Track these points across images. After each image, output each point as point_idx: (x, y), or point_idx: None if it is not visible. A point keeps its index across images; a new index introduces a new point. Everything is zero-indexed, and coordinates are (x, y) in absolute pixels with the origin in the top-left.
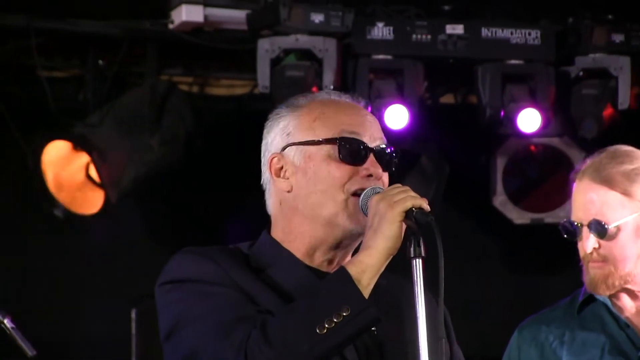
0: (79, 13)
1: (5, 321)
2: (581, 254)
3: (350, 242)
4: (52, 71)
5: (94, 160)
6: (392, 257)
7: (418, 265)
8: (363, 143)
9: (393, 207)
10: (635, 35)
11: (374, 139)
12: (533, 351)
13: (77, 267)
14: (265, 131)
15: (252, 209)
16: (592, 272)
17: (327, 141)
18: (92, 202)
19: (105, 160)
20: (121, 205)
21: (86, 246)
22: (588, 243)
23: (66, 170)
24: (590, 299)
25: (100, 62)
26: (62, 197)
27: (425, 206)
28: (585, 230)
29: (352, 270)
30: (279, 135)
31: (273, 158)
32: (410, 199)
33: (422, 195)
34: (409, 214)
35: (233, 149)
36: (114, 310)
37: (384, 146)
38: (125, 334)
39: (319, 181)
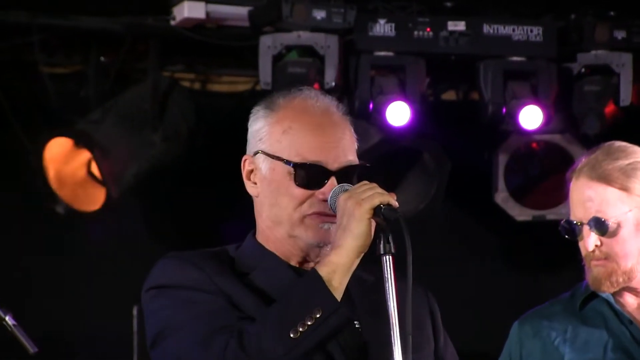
0: (81, 9)
1: (7, 318)
2: (583, 253)
3: (316, 254)
4: (54, 67)
5: (95, 157)
6: (363, 254)
7: (388, 261)
8: (322, 168)
9: (361, 205)
10: (637, 31)
11: (338, 160)
12: (535, 347)
13: (79, 264)
14: (248, 124)
15: (253, 205)
16: (595, 270)
17: (287, 162)
18: (93, 198)
19: (107, 157)
20: (123, 202)
21: (88, 243)
22: (589, 241)
23: (68, 166)
24: (593, 295)
25: (102, 58)
26: (63, 193)
27: (394, 202)
28: (585, 228)
29: (323, 271)
30: (253, 137)
31: (245, 160)
32: (377, 195)
33: (424, 191)
34: (377, 211)
35: (234, 146)
36: (115, 308)
37: (348, 164)
38: (127, 331)
39: (279, 195)
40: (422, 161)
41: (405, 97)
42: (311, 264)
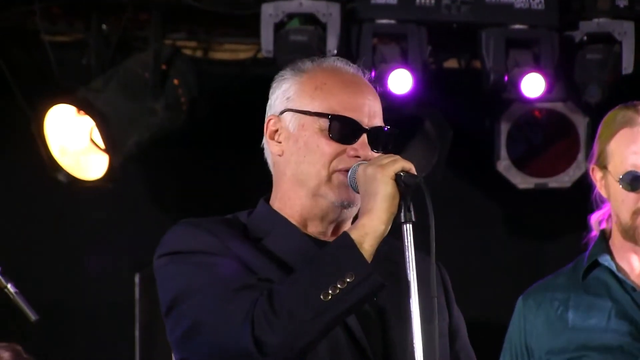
0: None
1: (9, 286)
2: (637, 205)
3: (337, 215)
4: (55, 36)
5: (97, 125)
6: (393, 217)
7: (409, 230)
8: (357, 123)
9: (383, 168)
10: None
11: (371, 119)
12: (538, 319)
13: (81, 232)
14: (270, 92)
15: (255, 173)
16: None
17: (321, 115)
18: (96, 166)
19: (109, 125)
20: (124, 170)
21: (90, 211)
22: None
23: (70, 134)
24: (594, 265)
25: (104, 26)
26: (65, 161)
27: (413, 169)
28: None
29: (354, 235)
30: (280, 98)
31: (270, 120)
32: (398, 161)
33: (426, 160)
34: (397, 178)
35: (236, 113)
36: (118, 275)
37: (380, 125)
38: (129, 298)
39: (308, 152)
40: (424, 129)
41: (407, 65)
42: (326, 232)
